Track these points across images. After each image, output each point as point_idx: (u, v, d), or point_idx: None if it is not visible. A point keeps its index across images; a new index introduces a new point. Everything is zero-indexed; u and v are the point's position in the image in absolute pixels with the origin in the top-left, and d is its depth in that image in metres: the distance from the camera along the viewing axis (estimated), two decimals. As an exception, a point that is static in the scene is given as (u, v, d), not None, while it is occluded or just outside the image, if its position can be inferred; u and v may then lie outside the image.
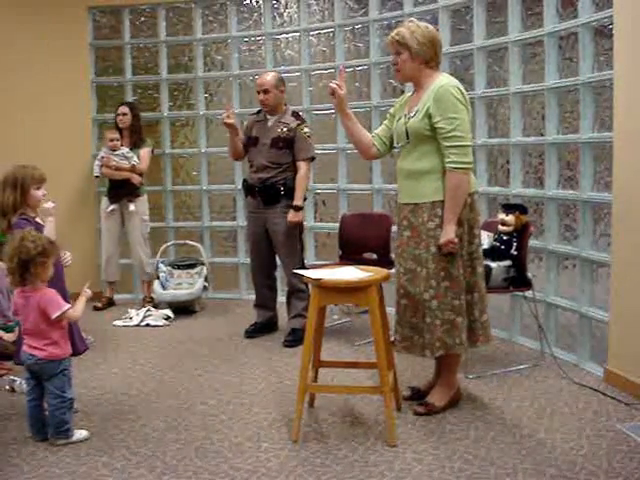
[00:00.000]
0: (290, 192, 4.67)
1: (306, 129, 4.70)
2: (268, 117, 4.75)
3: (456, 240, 3.23)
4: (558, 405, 3.50)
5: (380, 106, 5.32)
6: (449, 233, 3.23)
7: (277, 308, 5.04)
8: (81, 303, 3.23)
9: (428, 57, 3.33)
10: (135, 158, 5.66)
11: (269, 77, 4.71)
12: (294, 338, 4.60)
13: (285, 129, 4.67)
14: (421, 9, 5.04)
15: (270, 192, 4.69)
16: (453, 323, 3.30)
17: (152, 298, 5.75)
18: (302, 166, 4.66)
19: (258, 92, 4.73)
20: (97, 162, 5.71)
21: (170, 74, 6.13)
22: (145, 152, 5.74)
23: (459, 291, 3.30)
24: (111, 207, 5.71)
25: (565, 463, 2.86)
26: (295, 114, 4.77)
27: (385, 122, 3.65)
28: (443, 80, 3.30)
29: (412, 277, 3.35)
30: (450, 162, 3.23)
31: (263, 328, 4.93)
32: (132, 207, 5.67)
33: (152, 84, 6.20)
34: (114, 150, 5.63)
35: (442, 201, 3.27)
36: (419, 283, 3.32)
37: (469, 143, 3.26)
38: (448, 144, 3.22)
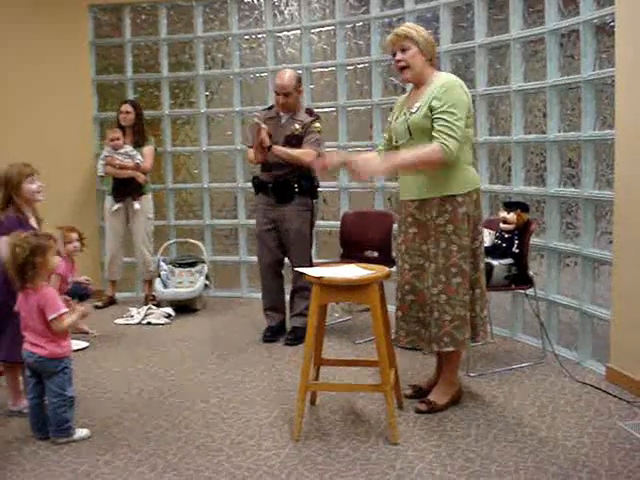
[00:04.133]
0: (304, 190, 4.63)
1: (317, 124, 4.61)
2: (281, 114, 4.64)
3: (371, 176, 3.26)
4: (560, 403, 3.50)
5: (381, 104, 5.32)
6: (379, 168, 3.36)
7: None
8: (72, 318, 3.18)
9: (430, 54, 3.34)
10: (139, 156, 5.65)
11: (289, 78, 4.55)
12: (295, 337, 4.59)
13: (299, 126, 4.58)
14: (422, 6, 5.03)
15: (284, 189, 4.62)
16: (463, 319, 3.31)
17: (154, 296, 5.75)
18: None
19: (277, 93, 4.59)
20: (101, 161, 5.70)
21: (171, 72, 6.13)
22: (148, 150, 5.73)
23: (468, 287, 3.32)
24: (116, 206, 5.71)
25: (567, 461, 2.86)
26: (309, 111, 4.69)
27: (384, 135, 3.64)
28: (448, 77, 3.32)
29: (419, 273, 3.35)
30: (443, 141, 3.17)
31: (280, 331, 4.83)
32: (137, 205, 5.67)
33: (153, 82, 6.20)
34: (117, 149, 5.63)
35: (450, 196, 3.27)
36: (427, 278, 3.32)
37: (460, 140, 3.19)
38: (444, 130, 3.18)
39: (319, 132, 4.63)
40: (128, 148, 5.65)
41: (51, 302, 3.10)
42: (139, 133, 5.73)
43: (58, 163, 5.77)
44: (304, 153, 4.51)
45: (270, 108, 4.80)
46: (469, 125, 3.32)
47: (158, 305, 5.62)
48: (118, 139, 5.62)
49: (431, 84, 3.30)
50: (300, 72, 5.71)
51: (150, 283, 5.83)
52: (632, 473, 2.74)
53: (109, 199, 5.77)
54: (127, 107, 5.70)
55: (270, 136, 4.52)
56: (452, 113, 3.19)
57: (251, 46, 6.00)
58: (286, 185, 4.61)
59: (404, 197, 3.46)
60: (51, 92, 5.95)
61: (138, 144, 5.71)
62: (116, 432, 3.27)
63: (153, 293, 5.76)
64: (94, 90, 6.17)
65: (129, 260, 5.98)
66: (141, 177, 5.65)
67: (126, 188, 5.67)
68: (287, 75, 4.58)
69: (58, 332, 3.13)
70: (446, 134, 3.18)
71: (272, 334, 4.78)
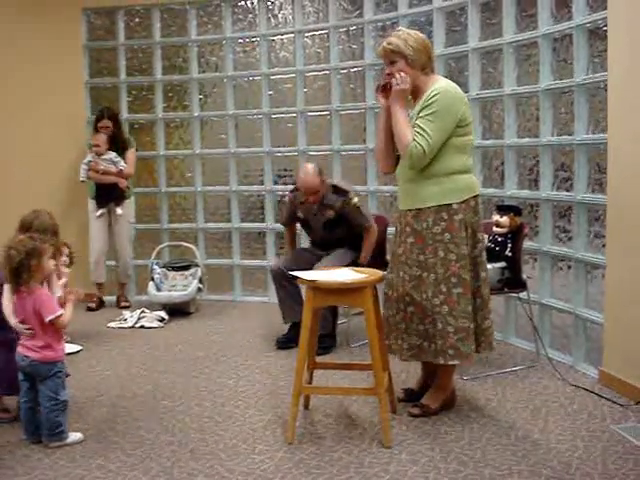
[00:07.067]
0: (354, 240, 4.58)
1: (355, 199, 4.49)
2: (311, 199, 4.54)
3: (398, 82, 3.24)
4: (553, 406, 3.50)
5: (374, 107, 5.31)
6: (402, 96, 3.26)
7: None
8: (69, 309, 3.19)
9: (423, 63, 3.29)
10: (122, 163, 5.69)
11: (313, 175, 4.42)
12: (324, 345, 4.39)
13: (332, 212, 4.50)
14: (415, 10, 5.05)
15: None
16: (467, 330, 3.26)
17: (126, 298, 5.97)
18: (368, 232, 4.54)
19: (306, 193, 4.46)
20: (84, 166, 5.68)
21: (164, 75, 6.12)
22: (131, 154, 5.79)
23: (470, 296, 3.27)
24: (100, 211, 5.74)
25: (560, 464, 2.86)
26: (336, 189, 4.52)
27: None
28: (440, 84, 3.26)
29: (418, 284, 3.30)
30: (416, 142, 3.16)
31: (295, 339, 4.75)
32: (120, 211, 5.72)
33: (146, 85, 6.19)
34: (100, 155, 5.64)
35: (447, 205, 3.24)
36: (426, 289, 3.27)
37: (428, 149, 3.17)
38: (416, 138, 3.17)
39: (360, 206, 4.53)
40: (112, 154, 5.68)
41: (46, 304, 3.10)
42: (119, 141, 5.76)
43: (50, 165, 5.76)
44: (363, 257, 4.54)
45: (297, 190, 4.63)
46: (467, 133, 3.28)
47: (128, 307, 5.75)
48: (99, 146, 5.64)
49: (424, 94, 3.26)
50: (293, 76, 5.74)
51: (123, 286, 5.99)
52: (625, 476, 2.75)
53: (92, 203, 5.79)
54: (106, 122, 5.71)
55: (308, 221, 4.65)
56: (430, 121, 3.17)
57: (245, 49, 6.01)
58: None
59: (402, 206, 3.42)
60: (44, 94, 5.92)
61: (121, 149, 5.74)
62: (109, 436, 3.26)
63: (126, 295, 5.98)
64: (87, 93, 6.16)
65: (110, 263, 5.99)
66: (123, 183, 5.70)
67: (109, 194, 5.72)
68: (308, 172, 4.44)
69: (61, 328, 3.16)
70: (418, 140, 3.16)
71: (288, 340, 4.62)
